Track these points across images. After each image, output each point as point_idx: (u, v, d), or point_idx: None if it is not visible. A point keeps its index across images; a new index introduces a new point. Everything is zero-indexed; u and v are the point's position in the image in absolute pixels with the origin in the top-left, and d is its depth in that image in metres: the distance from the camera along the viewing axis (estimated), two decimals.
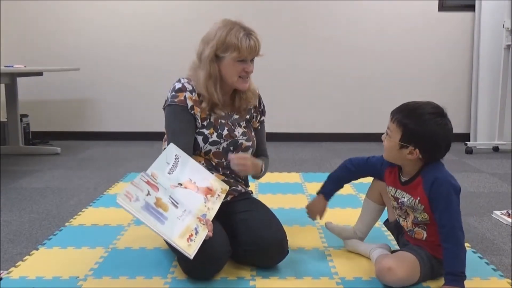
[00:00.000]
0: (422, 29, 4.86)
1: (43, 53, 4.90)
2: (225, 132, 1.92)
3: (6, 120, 4.36)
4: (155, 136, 4.77)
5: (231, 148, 1.93)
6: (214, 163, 1.93)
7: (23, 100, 4.71)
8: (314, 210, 2.02)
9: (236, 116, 1.99)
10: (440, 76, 4.93)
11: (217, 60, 1.86)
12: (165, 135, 1.98)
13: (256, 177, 2.07)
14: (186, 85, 1.90)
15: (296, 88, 4.95)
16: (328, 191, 2.01)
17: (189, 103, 1.88)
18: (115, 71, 4.95)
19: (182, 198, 1.67)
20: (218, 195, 1.81)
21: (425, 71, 4.92)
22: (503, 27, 4.35)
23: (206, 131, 1.90)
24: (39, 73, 4.55)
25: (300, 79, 4.94)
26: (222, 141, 1.91)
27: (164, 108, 1.94)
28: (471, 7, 4.79)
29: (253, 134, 2.03)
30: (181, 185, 1.71)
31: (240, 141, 1.95)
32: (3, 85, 4.36)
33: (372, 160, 1.92)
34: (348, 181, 2.00)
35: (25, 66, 4.20)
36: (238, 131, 1.96)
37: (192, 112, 1.88)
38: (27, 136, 4.61)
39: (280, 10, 4.84)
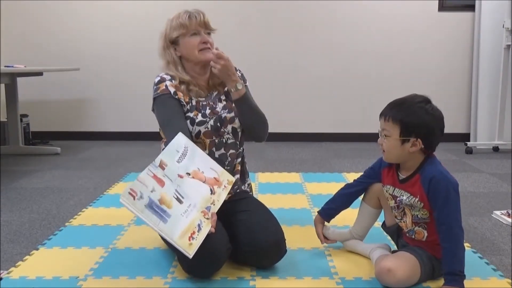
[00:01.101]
0: (422, 29, 4.86)
1: (43, 53, 4.90)
2: (208, 111, 1.96)
3: (6, 120, 4.37)
4: (155, 136, 4.73)
5: (218, 125, 1.95)
6: (206, 146, 1.93)
7: (23, 100, 4.71)
8: (316, 232, 2.02)
9: (215, 93, 2.02)
10: (440, 76, 4.93)
11: (174, 45, 1.98)
12: (163, 138, 2.00)
13: (244, 107, 1.98)
14: (164, 76, 1.97)
15: (296, 88, 4.95)
16: (324, 207, 2.01)
17: (171, 89, 1.93)
18: (115, 71, 4.95)
19: (188, 190, 1.68)
20: (225, 186, 1.81)
21: (425, 71, 4.92)
22: (503, 27, 4.35)
23: (191, 114, 1.93)
24: (39, 73, 4.55)
25: (300, 79, 4.94)
26: (207, 119, 1.94)
27: (153, 110, 1.97)
28: (471, 7, 4.79)
29: (233, 104, 2.02)
30: (189, 174, 1.72)
31: (223, 115, 1.97)
32: (3, 85, 4.36)
33: (369, 167, 1.94)
34: (349, 197, 1.98)
35: (25, 66, 4.20)
36: (219, 106, 1.99)
37: (176, 97, 1.92)
38: (27, 136, 4.62)
39: (280, 11, 4.83)
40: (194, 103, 1.96)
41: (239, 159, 2.04)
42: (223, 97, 2.03)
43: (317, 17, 4.86)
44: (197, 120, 1.92)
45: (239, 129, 2.02)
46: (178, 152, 1.73)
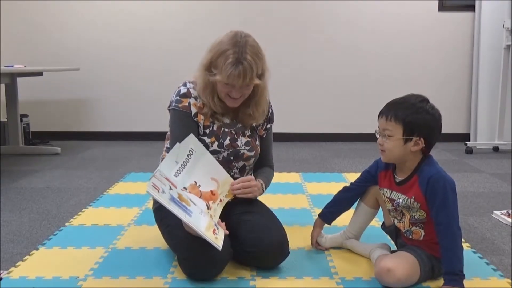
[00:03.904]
0: (422, 29, 4.86)
1: (43, 53, 4.90)
2: (226, 142, 1.91)
3: (6, 120, 4.36)
4: (155, 136, 4.77)
5: (232, 158, 1.92)
6: None
7: (23, 100, 4.71)
8: (311, 235, 2.04)
9: (240, 125, 1.96)
10: (440, 76, 4.93)
11: (210, 73, 1.81)
12: (168, 134, 1.99)
13: None
14: (192, 90, 1.89)
15: (296, 88, 4.95)
16: (324, 211, 2.02)
17: (193, 110, 1.87)
18: (115, 71, 4.95)
19: (193, 199, 1.70)
20: (221, 200, 1.80)
21: (425, 71, 4.92)
22: (503, 27, 4.35)
23: (207, 139, 1.89)
24: (39, 73, 4.55)
25: (300, 79, 4.94)
26: (222, 150, 1.90)
27: (168, 110, 1.94)
28: (471, 7, 4.79)
29: (257, 143, 2.00)
30: (186, 189, 1.70)
31: (241, 151, 1.93)
32: (3, 85, 4.36)
33: (366, 170, 1.94)
34: (348, 200, 2.00)
35: (25, 66, 4.20)
36: (241, 140, 1.94)
37: (195, 119, 1.88)
38: (27, 136, 4.62)
39: (281, 11, 4.84)
40: (215, 128, 1.90)
41: None
42: (247, 132, 1.96)
43: (317, 17, 4.86)
44: (210, 149, 1.88)
45: (248, 168, 2.00)
46: (177, 163, 1.69)
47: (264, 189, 1.98)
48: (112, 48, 4.91)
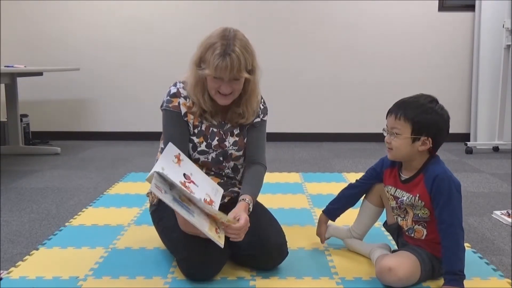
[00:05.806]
0: (422, 29, 4.86)
1: (43, 53, 4.89)
2: (214, 142, 1.89)
3: (6, 120, 4.36)
4: (155, 136, 4.74)
5: (221, 159, 1.91)
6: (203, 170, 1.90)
7: (23, 100, 4.71)
8: (317, 231, 2.05)
9: (229, 125, 1.93)
10: (440, 76, 4.93)
11: (201, 69, 1.78)
12: (162, 135, 1.99)
13: None
14: (181, 90, 1.88)
15: (296, 89, 4.95)
16: (329, 207, 2.03)
17: (183, 110, 1.87)
18: (115, 71, 4.95)
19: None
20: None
21: (425, 71, 4.92)
22: (503, 27, 4.35)
23: (196, 139, 1.88)
24: (39, 73, 4.55)
25: (300, 79, 4.94)
26: (211, 151, 1.89)
27: (161, 110, 1.94)
28: (471, 7, 4.79)
29: (245, 140, 1.96)
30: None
31: (230, 152, 1.92)
32: (3, 85, 4.36)
33: (371, 168, 1.95)
34: (353, 197, 2.00)
35: (25, 66, 4.20)
36: (229, 140, 1.91)
37: (185, 119, 1.87)
38: (27, 136, 4.62)
39: (280, 12, 4.84)
40: (203, 127, 1.89)
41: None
42: (236, 131, 1.94)
43: (317, 18, 4.86)
44: (199, 149, 1.87)
45: (240, 166, 1.99)
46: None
47: (251, 208, 1.83)
48: (112, 49, 4.91)
